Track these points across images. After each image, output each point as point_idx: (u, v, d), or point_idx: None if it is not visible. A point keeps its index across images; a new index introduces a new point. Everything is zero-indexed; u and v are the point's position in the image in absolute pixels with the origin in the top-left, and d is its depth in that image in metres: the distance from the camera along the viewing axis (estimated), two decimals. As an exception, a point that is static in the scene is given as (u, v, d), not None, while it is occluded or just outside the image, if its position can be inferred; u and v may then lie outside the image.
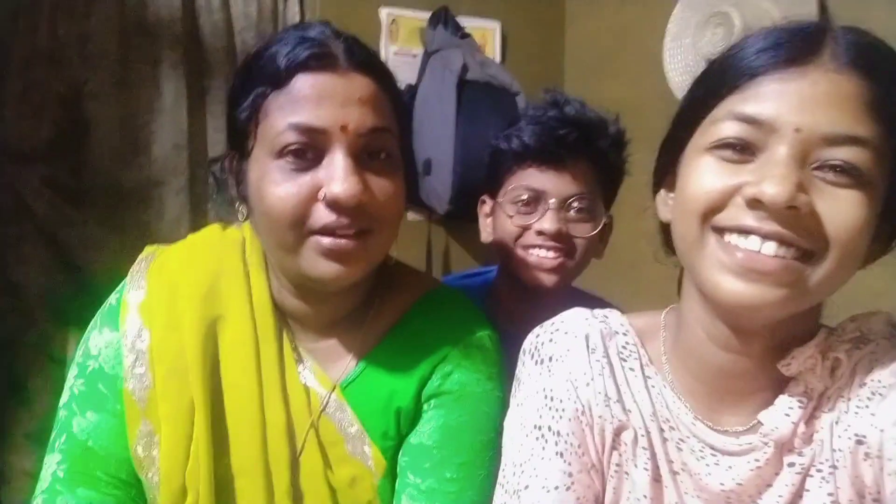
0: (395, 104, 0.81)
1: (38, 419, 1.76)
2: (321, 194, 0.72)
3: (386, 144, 0.77)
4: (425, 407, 0.83)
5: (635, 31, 2.20)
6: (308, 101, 0.72)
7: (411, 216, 2.27)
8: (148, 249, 0.88)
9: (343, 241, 0.73)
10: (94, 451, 0.79)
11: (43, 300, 1.80)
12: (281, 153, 0.73)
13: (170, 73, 1.93)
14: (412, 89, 2.15)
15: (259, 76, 0.75)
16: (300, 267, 0.75)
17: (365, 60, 0.77)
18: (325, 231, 0.73)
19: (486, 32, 2.35)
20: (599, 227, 1.08)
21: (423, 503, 0.79)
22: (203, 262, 0.85)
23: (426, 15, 2.23)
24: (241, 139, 0.78)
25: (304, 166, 0.73)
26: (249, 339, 0.81)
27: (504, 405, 0.80)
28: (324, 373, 0.84)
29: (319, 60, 0.73)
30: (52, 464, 0.79)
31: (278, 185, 0.72)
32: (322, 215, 0.72)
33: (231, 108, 0.79)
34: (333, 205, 0.72)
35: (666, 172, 0.71)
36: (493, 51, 2.36)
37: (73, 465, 0.79)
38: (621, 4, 2.28)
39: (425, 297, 0.89)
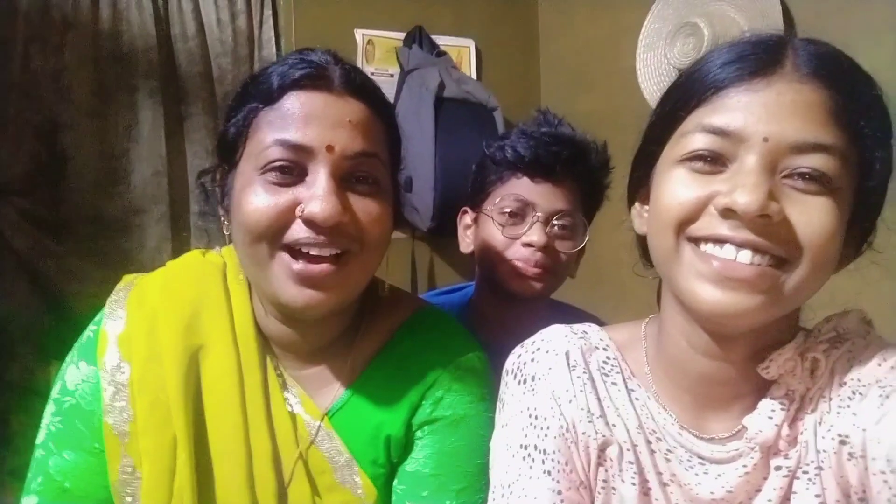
0: (389, 133, 0.80)
1: (23, 455, 1.72)
2: (299, 210, 0.70)
3: (373, 171, 0.75)
4: (418, 434, 0.82)
5: (608, 43, 2.23)
6: (297, 118, 0.71)
7: (394, 234, 2.26)
8: (126, 278, 0.86)
9: (314, 267, 0.71)
10: (71, 492, 0.77)
11: (24, 334, 1.78)
12: (266, 168, 0.71)
13: (146, 101, 1.93)
14: (390, 109, 2.16)
15: (253, 93, 0.75)
16: (271, 288, 0.73)
17: (361, 85, 0.76)
18: (299, 245, 0.71)
19: (462, 50, 2.38)
20: (582, 245, 1.10)
21: None
22: (183, 290, 0.82)
23: (401, 35, 2.26)
24: (229, 152, 0.77)
25: (287, 182, 0.71)
26: (233, 368, 0.79)
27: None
28: (310, 400, 0.82)
29: (312, 80, 0.73)
30: None
31: (257, 196, 0.71)
32: (298, 230, 0.71)
33: (224, 123, 0.79)
34: (310, 223, 0.70)
35: (640, 186, 0.72)
36: (469, 68, 2.39)
37: None
38: (594, 18, 2.32)
39: (412, 318, 0.87)
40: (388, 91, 2.20)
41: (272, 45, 2.10)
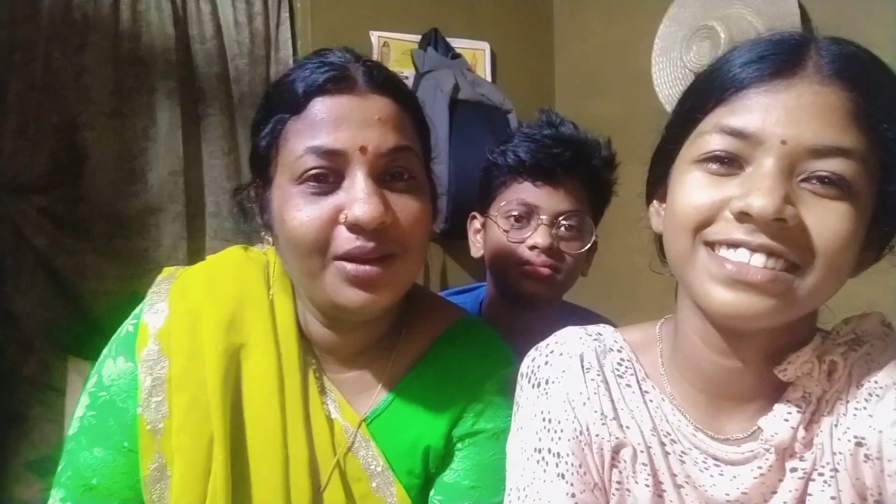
0: (418, 125, 0.79)
1: (39, 449, 1.75)
2: (342, 217, 0.69)
3: (409, 165, 0.74)
4: (459, 446, 0.81)
5: (623, 47, 2.23)
6: (325, 124, 0.70)
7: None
8: (167, 270, 0.86)
9: (367, 268, 0.70)
10: (97, 489, 0.77)
11: (42, 330, 1.81)
12: (301, 178, 0.71)
13: (164, 102, 1.95)
14: (405, 110, 2.17)
15: (278, 103, 0.74)
16: (326, 295, 0.72)
17: (385, 81, 0.75)
18: (349, 257, 0.70)
19: (477, 53, 2.38)
20: (589, 245, 1.10)
21: None
22: (226, 286, 0.81)
23: (417, 37, 2.27)
24: (262, 167, 0.76)
25: (326, 190, 0.71)
26: (273, 369, 0.78)
27: None
28: (349, 405, 0.81)
29: (337, 83, 0.72)
30: (56, 499, 0.77)
31: (300, 210, 0.70)
32: (345, 240, 0.70)
33: (253, 137, 0.78)
34: (355, 228, 0.69)
35: (658, 184, 0.71)
36: (484, 71, 2.40)
37: (76, 503, 0.77)
38: (609, 22, 2.32)
39: (453, 327, 0.86)
40: (403, 93, 2.21)
41: (289, 47, 2.12)
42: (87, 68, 1.86)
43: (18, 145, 1.79)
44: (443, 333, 0.85)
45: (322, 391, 0.81)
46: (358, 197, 0.69)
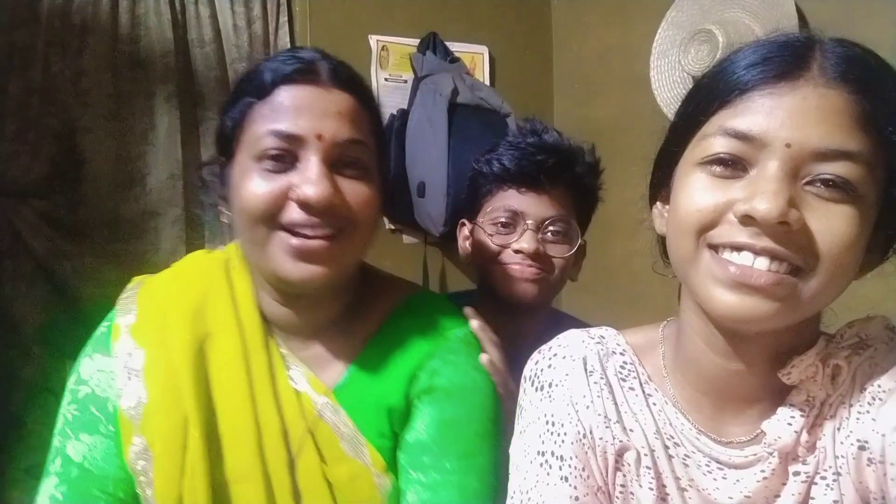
0: (374, 122, 0.85)
1: (38, 454, 1.74)
2: (293, 194, 0.75)
3: (361, 156, 0.80)
4: (416, 403, 0.85)
5: (621, 50, 2.24)
6: (288, 110, 0.76)
7: (407, 239, 2.28)
8: (135, 279, 0.91)
9: (311, 242, 0.76)
10: (90, 471, 0.81)
11: (41, 334, 1.80)
12: (261, 157, 0.76)
13: (163, 106, 1.95)
14: (404, 114, 2.17)
15: (247, 89, 0.80)
16: (270, 265, 0.78)
17: (347, 79, 0.81)
18: (295, 227, 0.75)
19: (475, 56, 2.39)
20: (575, 249, 1.11)
21: (428, 496, 0.81)
22: (190, 283, 0.87)
23: (415, 41, 2.27)
24: (226, 144, 0.82)
25: (281, 169, 0.76)
26: (238, 353, 0.83)
27: (494, 394, 0.86)
28: (316, 377, 0.85)
29: (302, 74, 0.78)
30: (49, 487, 0.81)
31: (254, 182, 0.76)
32: (293, 212, 0.76)
33: (221, 116, 0.84)
34: (304, 206, 0.75)
35: (661, 186, 0.71)
36: (483, 74, 2.40)
37: (70, 486, 0.80)
38: (607, 25, 2.32)
39: (408, 300, 0.91)
40: (402, 97, 2.21)
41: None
42: (86, 72, 1.85)
43: (17, 149, 1.78)
44: (399, 306, 0.90)
45: (287, 367, 0.86)
46: (310, 178, 0.75)
